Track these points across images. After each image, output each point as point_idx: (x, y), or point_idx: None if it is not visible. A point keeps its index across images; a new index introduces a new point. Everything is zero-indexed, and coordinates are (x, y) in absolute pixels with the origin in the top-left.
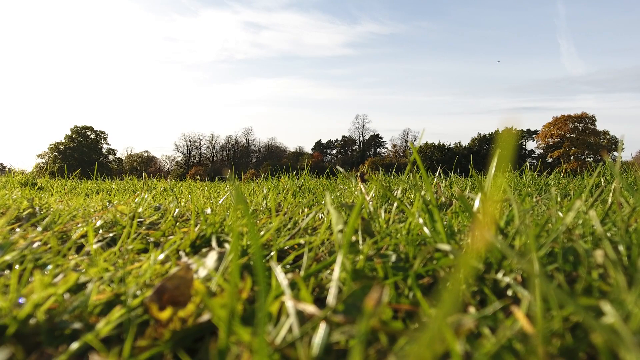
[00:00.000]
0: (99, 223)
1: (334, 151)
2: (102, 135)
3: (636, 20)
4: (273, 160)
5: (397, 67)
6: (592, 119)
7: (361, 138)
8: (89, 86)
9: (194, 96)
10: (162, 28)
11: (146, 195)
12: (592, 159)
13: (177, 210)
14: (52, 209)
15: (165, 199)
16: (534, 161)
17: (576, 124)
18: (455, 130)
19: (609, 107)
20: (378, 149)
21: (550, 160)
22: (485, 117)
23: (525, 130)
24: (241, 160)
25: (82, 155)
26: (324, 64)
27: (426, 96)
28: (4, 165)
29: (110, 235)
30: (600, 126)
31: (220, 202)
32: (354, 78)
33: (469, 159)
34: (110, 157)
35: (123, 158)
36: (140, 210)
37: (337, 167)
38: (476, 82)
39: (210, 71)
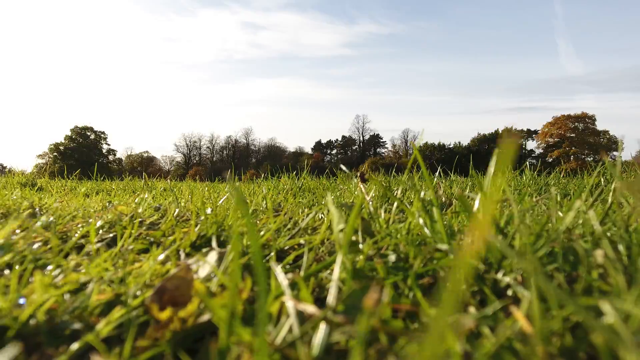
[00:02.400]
0: (99, 223)
1: (334, 151)
2: (102, 135)
3: (635, 20)
4: (273, 161)
5: (396, 67)
6: (592, 119)
7: (361, 138)
8: (89, 86)
9: (194, 96)
10: (160, 28)
11: (146, 196)
12: (592, 158)
13: (177, 210)
14: (52, 210)
15: (165, 199)
16: (534, 161)
17: (576, 123)
18: (455, 130)
19: (608, 107)
20: (378, 149)
21: (550, 160)
22: (485, 117)
23: (525, 130)
24: (241, 161)
25: (82, 155)
26: (323, 64)
27: (426, 96)
28: (4, 165)
29: (111, 235)
30: (600, 126)
31: (220, 202)
32: (353, 78)
33: (469, 158)
34: (110, 157)
35: (123, 158)
36: (140, 210)
37: (341, 165)
38: (476, 82)
39: (209, 71)
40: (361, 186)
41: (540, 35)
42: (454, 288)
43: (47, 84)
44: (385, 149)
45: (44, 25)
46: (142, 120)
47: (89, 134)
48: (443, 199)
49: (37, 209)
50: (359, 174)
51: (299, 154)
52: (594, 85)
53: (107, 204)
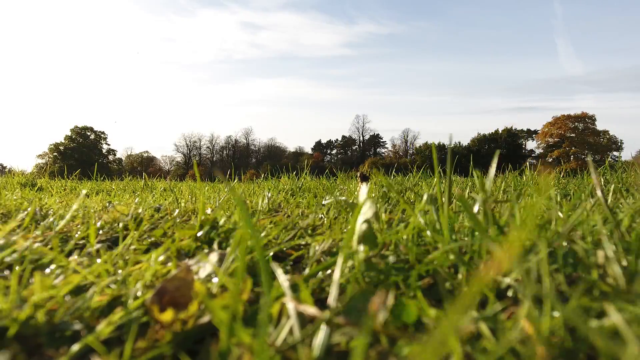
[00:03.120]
0: (98, 224)
1: (334, 151)
2: (102, 135)
3: (634, 20)
4: (273, 161)
5: (396, 67)
6: (592, 119)
7: (361, 138)
8: (89, 86)
9: (194, 96)
10: (160, 28)
11: (146, 196)
12: (592, 158)
13: (177, 211)
14: (52, 210)
15: (165, 199)
16: (534, 161)
17: (576, 123)
18: (455, 130)
19: (608, 107)
20: (378, 149)
21: (550, 160)
22: (485, 117)
23: (525, 130)
24: (241, 161)
25: (82, 155)
26: (323, 64)
27: (426, 96)
28: (4, 165)
29: (111, 236)
30: (600, 126)
31: (220, 202)
32: (353, 78)
33: (469, 158)
34: (110, 157)
35: (123, 158)
36: (140, 211)
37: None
38: (476, 82)
39: (209, 71)
40: (362, 187)
41: (539, 35)
42: (467, 302)
43: (47, 84)
44: (385, 149)
45: (44, 25)
46: (142, 120)
47: (89, 134)
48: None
49: (37, 210)
50: (359, 174)
51: (299, 154)
52: (593, 85)
53: (107, 204)
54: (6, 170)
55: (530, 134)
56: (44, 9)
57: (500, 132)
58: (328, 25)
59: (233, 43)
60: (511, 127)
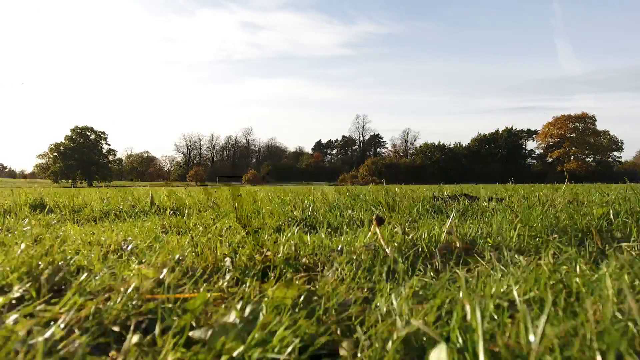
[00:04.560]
0: (126, 294)
1: (334, 151)
2: (102, 135)
3: (634, 20)
4: (273, 160)
5: (396, 67)
6: (592, 119)
7: (361, 138)
8: (89, 87)
9: (194, 96)
10: (160, 29)
11: (173, 240)
12: (592, 158)
13: (195, 260)
14: (75, 258)
15: (178, 234)
16: (534, 161)
17: (576, 123)
18: (455, 130)
19: (608, 107)
20: (378, 149)
21: (551, 160)
22: (485, 117)
23: (526, 130)
24: (241, 160)
25: (82, 155)
26: (323, 63)
27: (426, 96)
28: (4, 165)
29: (142, 318)
30: (600, 126)
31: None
32: (353, 78)
33: (470, 159)
34: (111, 157)
35: (123, 158)
36: (164, 272)
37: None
38: (476, 82)
39: (208, 71)
40: (377, 231)
41: (539, 35)
42: None
43: (47, 84)
44: (385, 149)
45: (45, 26)
46: (142, 120)
47: (89, 134)
48: (458, 243)
49: (61, 263)
50: (374, 217)
51: (299, 154)
52: (593, 85)
53: (123, 243)
54: (6, 169)
55: (530, 134)
56: (45, 9)
57: (500, 132)
58: (327, 25)
59: (232, 43)
60: (511, 127)
